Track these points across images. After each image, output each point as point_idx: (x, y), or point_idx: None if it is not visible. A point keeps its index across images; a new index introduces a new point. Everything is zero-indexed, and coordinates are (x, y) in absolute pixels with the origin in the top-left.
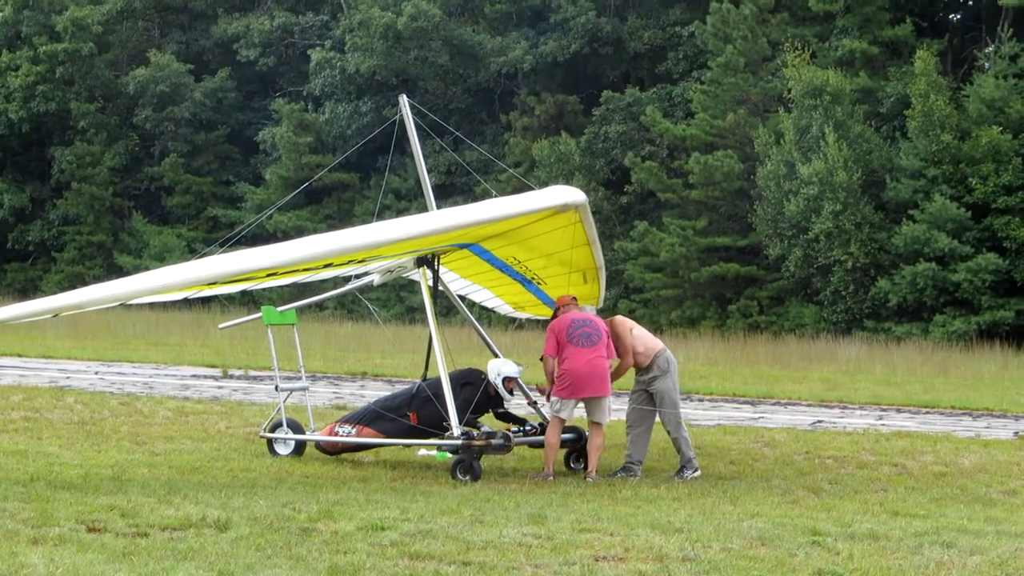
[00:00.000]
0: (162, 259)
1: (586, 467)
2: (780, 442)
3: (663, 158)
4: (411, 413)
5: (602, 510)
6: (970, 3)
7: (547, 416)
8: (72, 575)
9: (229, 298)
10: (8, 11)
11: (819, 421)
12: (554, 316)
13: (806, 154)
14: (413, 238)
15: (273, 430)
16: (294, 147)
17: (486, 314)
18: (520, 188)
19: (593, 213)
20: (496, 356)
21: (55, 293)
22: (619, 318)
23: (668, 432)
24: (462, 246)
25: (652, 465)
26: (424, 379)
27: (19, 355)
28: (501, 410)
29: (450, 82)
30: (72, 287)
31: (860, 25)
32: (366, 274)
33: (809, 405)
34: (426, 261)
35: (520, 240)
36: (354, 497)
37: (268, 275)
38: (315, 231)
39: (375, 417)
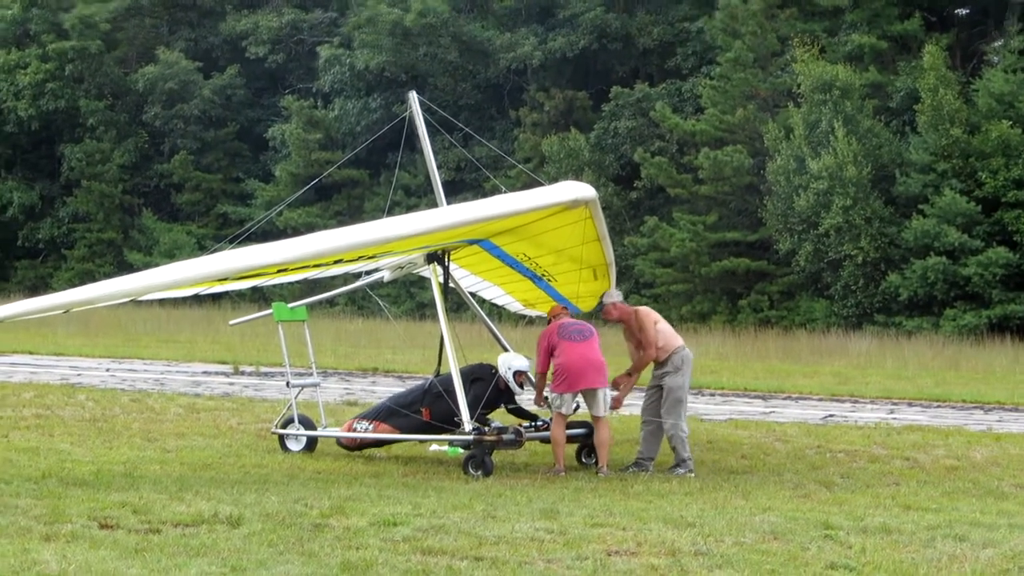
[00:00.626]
0: (172, 256)
1: (598, 462)
2: (792, 436)
3: (673, 153)
4: (424, 409)
5: (614, 505)
6: None
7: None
8: (84, 572)
9: (240, 295)
10: (16, 9)
11: (830, 415)
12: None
13: (816, 149)
14: (423, 234)
15: (284, 426)
16: (303, 144)
17: (496, 310)
18: (530, 184)
19: (603, 209)
20: (506, 351)
21: (66, 290)
22: (644, 309)
23: (665, 428)
24: (472, 242)
25: (664, 460)
26: (436, 375)
27: (30, 352)
28: (512, 405)
29: (459, 78)
30: (82, 284)
31: (869, 20)
32: (376, 270)
33: (820, 399)
34: (436, 257)
35: (530, 236)
36: (366, 493)
37: (278, 271)
38: (325, 228)
39: (390, 413)
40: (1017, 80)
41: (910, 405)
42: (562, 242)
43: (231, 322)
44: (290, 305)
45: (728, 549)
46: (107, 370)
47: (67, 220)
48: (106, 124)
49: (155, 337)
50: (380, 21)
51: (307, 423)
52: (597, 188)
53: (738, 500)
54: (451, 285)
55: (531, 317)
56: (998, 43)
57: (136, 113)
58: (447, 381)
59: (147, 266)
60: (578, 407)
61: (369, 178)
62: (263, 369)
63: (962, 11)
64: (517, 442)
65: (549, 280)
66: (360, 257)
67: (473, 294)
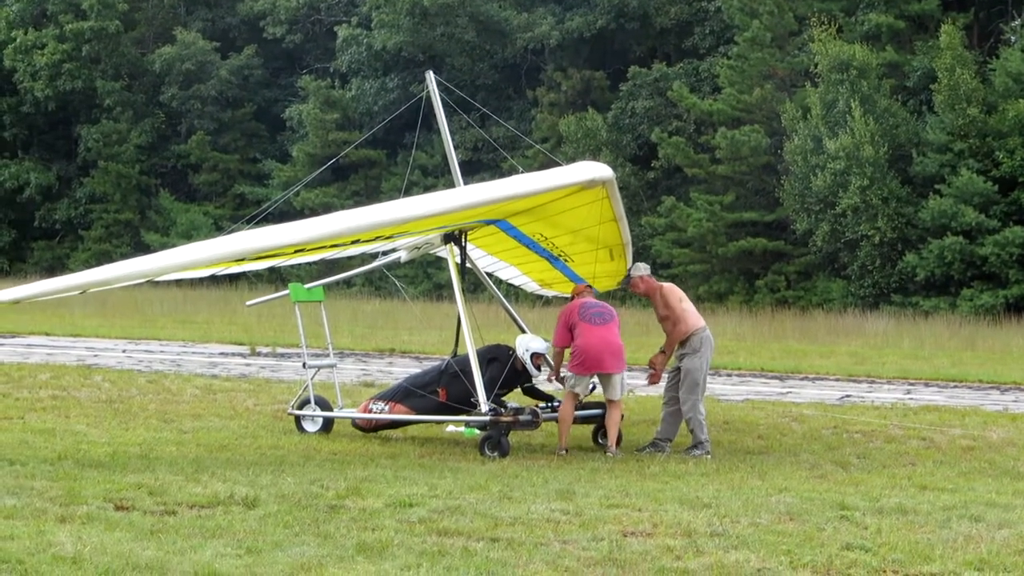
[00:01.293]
0: (189, 237)
1: (607, 442)
2: (808, 417)
3: (690, 133)
4: (440, 389)
5: (630, 486)
6: None
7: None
8: (100, 553)
9: (256, 275)
10: None
11: (847, 395)
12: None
13: (833, 129)
14: (440, 214)
15: (301, 407)
16: (321, 124)
17: (513, 290)
18: (547, 164)
19: (620, 189)
20: (523, 332)
21: (82, 271)
22: (669, 286)
23: (683, 411)
24: (489, 222)
25: (681, 442)
26: (454, 356)
27: (47, 333)
28: (528, 385)
29: (477, 58)
30: (99, 265)
31: None
32: (393, 251)
33: (837, 379)
34: (453, 237)
35: (547, 216)
36: (382, 474)
37: (296, 251)
38: (342, 208)
39: (406, 394)
40: None
41: (927, 385)
42: (579, 222)
43: (248, 303)
44: (307, 286)
45: (744, 530)
46: (123, 351)
47: (84, 201)
48: (123, 105)
49: (172, 318)
50: (398, 1)
51: (323, 404)
52: (614, 168)
53: (754, 481)
54: (468, 265)
55: (548, 298)
56: (1016, 22)
57: (153, 94)
58: (464, 361)
59: (164, 247)
60: (594, 387)
61: (386, 158)
62: (280, 350)
63: None
64: (534, 423)
65: (566, 260)
66: (377, 237)
67: (490, 274)
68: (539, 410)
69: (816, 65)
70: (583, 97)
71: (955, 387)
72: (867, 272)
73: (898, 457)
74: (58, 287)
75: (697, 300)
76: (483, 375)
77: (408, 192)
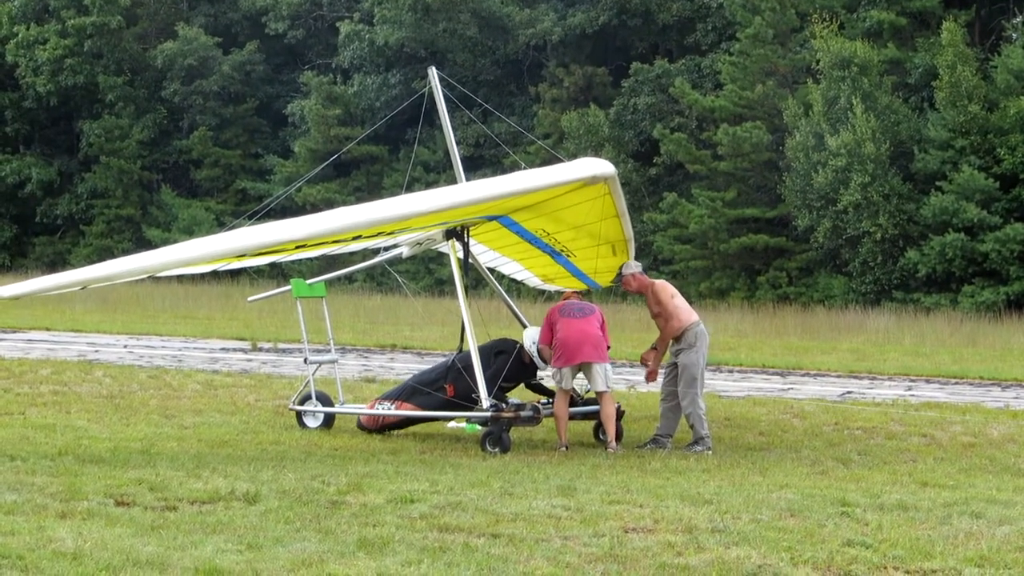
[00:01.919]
0: (191, 232)
1: (606, 438)
2: (809, 413)
3: (692, 130)
4: (447, 385)
5: (631, 482)
6: None
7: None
8: (100, 549)
9: (258, 271)
10: None
11: (848, 392)
12: None
13: (834, 125)
14: (442, 210)
15: (302, 403)
16: (323, 120)
17: (515, 286)
18: (549, 160)
19: (622, 185)
20: (526, 327)
21: (83, 266)
22: (660, 282)
23: (683, 406)
24: (491, 218)
25: (683, 438)
26: (460, 351)
27: (48, 329)
28: (533, 381)
29: (479, 54)
30: (101, 261)
31: None
32: (395, 246)
33: (838, 376)
34: (455, 233)
35: (549, 212)
36: (383, 469)
37: (297, 247)
38: (344, 203)
39: (413, 392)
40: None
41: (928, 382)
42: (581, 218)
43: (249, 299)
44: (309, 281)
45: (745, 526)
46: (125, 346)
47: (85, 196)
48: (125, 100)
49: (173, 313)
50: None
51: (325, 400)
52: (616, 164)
53: (755, 477)
54: (470, 261)
55: (550, 293)
56: (1017, 19)
57: (155, 89)
58: (471, 357)
59: (165, 242)
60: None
61: (388, 154)
62: (281, 345)
63: None
64: (535, 419)
65: (568, 256)
66: (379, 233)
67: (492, 270)
68: (541, 406)
69: (818, 62)
70: (585, 93)
71: (956, 383)
72: (868, 268)
73: (899, 454)
74: (59, 283)
75: (698, 296)
76: (490, 368)
77: (410, 188)
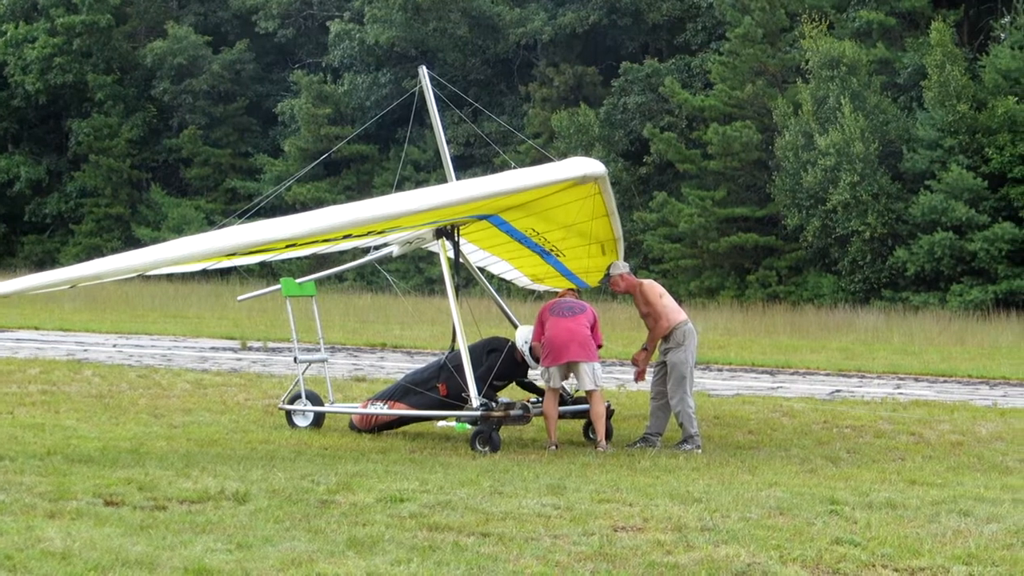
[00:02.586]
0: (180, 231)
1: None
2: (798, 411)
3: (682, 129)
4: (439, 385)
5: (621, 480)
6: None
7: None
8: (89, 549)
9: (248, 270)
10: None
11: (837, 390)
12: None
13: (823, 125)
14: (432, 209)
15: (292, 402)
16: (313, 119)
17: (505, 285)
18: (539, 159)
19: (612, 184)
20: (516, 326)
21: (72, 265)
22: (648, 282)
23: (671, 405)
24: (481, 217)
25: (672, 436)
26: (452, 350)
27: (36, 328)
28: (525, 380)
29: (469, 53)
30: (89, 259)
31: None
32: (385, 245)
33: (827, 374)
34: (445, 232)
35: (539, 212)
36: (373, 469)
37: (287, 246)
38: (334, 203)
39: (405, 392)
40: None
41: (916, 380)
42: (571, 217)
43: (239, 298)
44: (298, 280)
45: (734, 524)
46: (114, 346)
47: (74, 195)
48: (114, 99)
49: (162, 312)
50: None
51: (314, 399)
52: (606, 164)
53: (744, 475)
54: (460, 260)
55: (540, 292)
56: (1005, 19)
57: (144, 88)
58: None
59: (155, 241)
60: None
61: (378, 153)
62: (271, 345)
63: None
64: (524, 418)
65: (557, 255)
66: (369, 232)
67: (481, 269)
68: (531, 404)
69: (807, 61)
70: (575, 92)
71: (944, 382)
72: (857, 267)
73: (887, 452)
74: (48, 281)
75: (688, 295)
76: (482, 366)
77: (400, 187)
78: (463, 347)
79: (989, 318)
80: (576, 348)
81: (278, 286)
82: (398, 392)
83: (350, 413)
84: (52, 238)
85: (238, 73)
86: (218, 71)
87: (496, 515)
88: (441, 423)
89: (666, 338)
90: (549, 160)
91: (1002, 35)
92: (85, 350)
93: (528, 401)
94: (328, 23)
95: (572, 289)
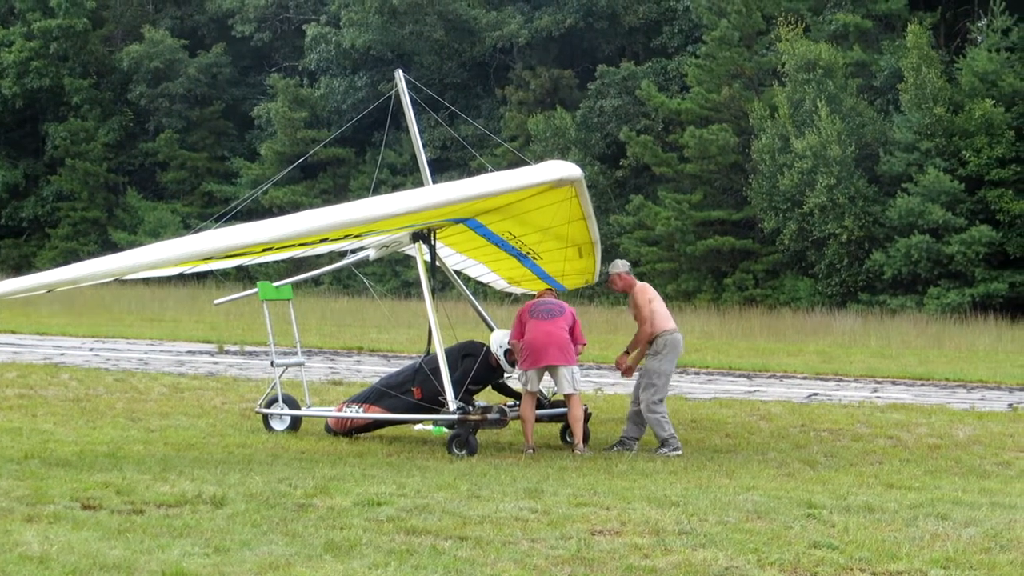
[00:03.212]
0: (157, 235)
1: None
2: (776, 415)
3: (658, 132)
4: (414, 388)
5: (598, 484)
6: None
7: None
8: (67, 553)
9: (224, 274)
10: None
11: (814, 394)
12: None
13: (800, 128)
14: (409, 213)
15: (269, 406)
16: (289, 122)
17: (481, 288)
18: (516, 162)
19: (588, 187)
20: (492, 329)
21: (49, 269)
22: (641, 286)
23: (641, 410)
24: (458, 221)
25: (650, 441)
26: (427, 354)
27: (13, 332)
28: (500, 382)
29: (445, 57)
30: (66, 263)
31: None
32: (362, 249)
33: (804, 378)
34: (422, 236)
35: (516, 215)
36: (350, 472)
37: (264, 250)
38: (310, 206)
39: (380, 395)
40: (1000, 59)
41: (894, 383)
42: (548, 221)
43: (216, 301)
44: (275, 284)
45: (712, 528)
46: (91, 350)
47: (51, 199)
48: (91, 103)
49: (139, 316)
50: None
51: (291, 403)
52: (583, 167)
53: (722, 479)
54: (437, 264)
55: (516, 295)
56: (982, 22)
57: (121, 92)
58: (438, 360)
59: (132, 245)
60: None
61: (355, 156)
62: (247, 348)
63: None
64: (502, 421)
65: (534, 258)
66: (346, 236)
67: (458, 272)
68: (507, 408)
69: (783, 64)
70: (552, 96)
71: (922, 385)
72: (834, 270)
73: (865, 455)
74: (25, 286)
75: (665, 298)
76: (456, 371)
77: (377, 190)
78: (439, 350)
79: (966, 321)
80: (555, 352)
81: (255, 290)
82: (373, 395)
83: (327, 416)
84: (28, 242)
85: (214, 77)
86: (194, 75)
87: (473, 519)
88: (418, 426)
89: (651, 343)
90: (526, 163)
91: (979, 38)
92: (62, 354)
93: (505, 405)
94: (304, 27)
95: (549, 289)
